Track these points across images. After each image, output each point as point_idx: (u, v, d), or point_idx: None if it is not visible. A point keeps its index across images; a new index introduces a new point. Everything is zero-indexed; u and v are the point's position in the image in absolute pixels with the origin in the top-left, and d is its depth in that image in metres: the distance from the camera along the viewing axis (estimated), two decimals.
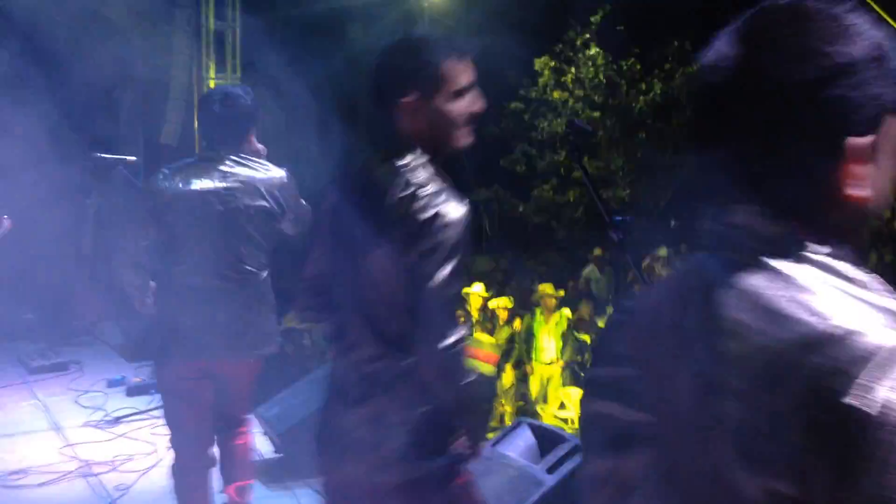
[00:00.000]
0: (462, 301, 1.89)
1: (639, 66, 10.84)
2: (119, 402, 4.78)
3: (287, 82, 6.67)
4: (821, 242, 0.87)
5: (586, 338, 7.11)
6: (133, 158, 4.24)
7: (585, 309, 7.50)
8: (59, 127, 6.14)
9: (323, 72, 8.43)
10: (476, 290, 8.53)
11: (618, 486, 0.94)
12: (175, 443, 2.81)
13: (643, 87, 10.65)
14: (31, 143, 5.72)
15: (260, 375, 2.99)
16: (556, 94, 11.21)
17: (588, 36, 10.76)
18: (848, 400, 0.73)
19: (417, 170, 1.93)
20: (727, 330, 0.83)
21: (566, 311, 7.33)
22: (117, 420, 4.49)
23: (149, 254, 2.84)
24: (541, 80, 11.23)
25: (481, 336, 7.39)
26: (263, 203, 2.89)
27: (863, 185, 0.87)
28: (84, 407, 4.77)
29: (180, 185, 2.79)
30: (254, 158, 2.93)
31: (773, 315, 0.81)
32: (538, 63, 11.14)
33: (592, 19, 10.91)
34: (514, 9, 10.79)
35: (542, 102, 11.32)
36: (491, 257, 10.99)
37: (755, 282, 0.85)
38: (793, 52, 0.85)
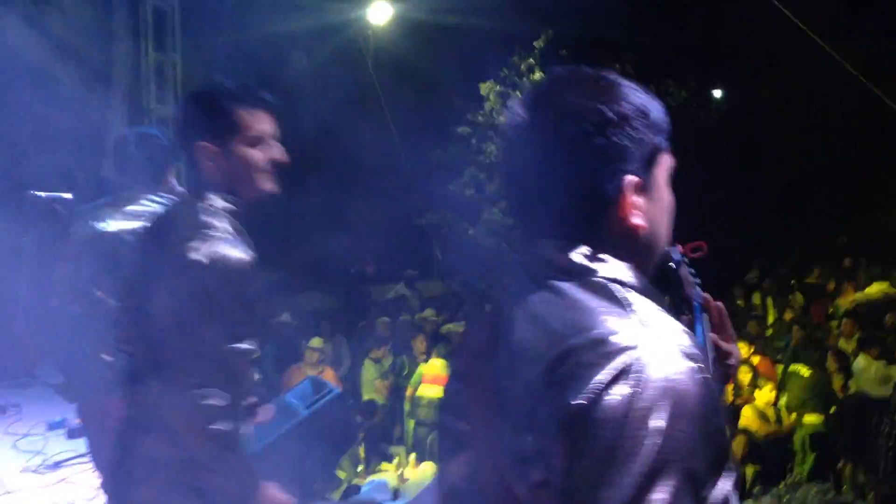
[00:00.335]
0: (249, 365, 1.92)
1: None
2: (59, 446, 4.60)
3: None
4: (614, 266, 1.02)
5: None
6: (69, 196, 4.13)
7: None
8: None
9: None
10: (427, 315, 8.48)
11: (449, 487, 1.10)
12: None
13: None
14: None
15: None
16: (502, 119, 11.28)
17: (532, 61, 10.89)
18: (579, 400, 0.87)
19: (209, 213, 1.96)
20: (515, 349, 0.98)
21: None
22: (57, 465, 4.32)
23: None
24: (487, 105, 11.33)
25: (437, 361, 7.35)
26: None
27: (641, 216, 1.03)
28: (23, 451, 4.59)
29: (94, 226, 2.84)
30: (170, 197, 2.95)
31: (547, 333, 0.95)
32: (483, 88, 11.23)
33: (536, 44, 11.05)
34: (458, 35, 10.89)
35: (489, 126, 11.41)
36: (442, 282, 10.98)
37: (542, 305, 0.99)
38: (573, 109, 1.01)
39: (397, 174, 10.43)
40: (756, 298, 10.16)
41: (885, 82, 7.71)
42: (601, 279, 1.00)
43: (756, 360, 7.50)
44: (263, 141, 2.04)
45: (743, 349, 7.55)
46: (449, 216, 12.31)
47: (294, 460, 2.86)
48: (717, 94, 14.93)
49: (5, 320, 6.63)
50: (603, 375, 0.87)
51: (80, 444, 4.55)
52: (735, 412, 6.78)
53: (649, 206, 1.05)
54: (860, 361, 6.71)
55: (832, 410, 6.64)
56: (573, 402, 0.87)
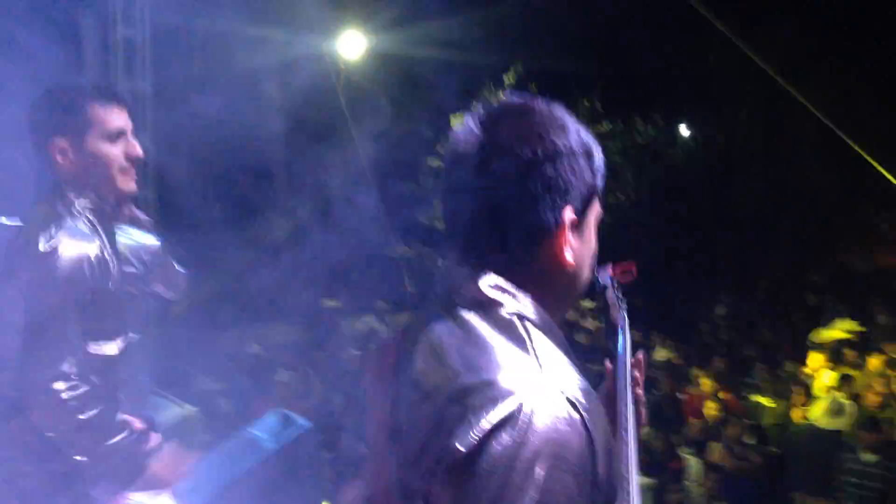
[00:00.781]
0: (67, 343, 1.91)
1: None
2: None
3: (197, 139, 6.57)
4: (521, 300, 0.99)
5: None
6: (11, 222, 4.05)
7: None
8: None
9: (237, 130, 8.34)
10: None
11: None
12: None
13: None
14: None
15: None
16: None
17: (502, 94, 11.02)
18: (465, 446, 0.85)
19: (64, 211, 1.93)
20: (413, 380, 0.96)
21: None
22: None
23: None
24: None
25: None
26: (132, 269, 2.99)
27: (572, 253, 1.02)
28: None
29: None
30: (126, 227, 3.01)
31: (444, 367, 0.93)
32: (454, 120, 11.32)
33: (505, 77, 11.19)
34: (429, 69, 10.98)
35: None
36: (412, 312, 10.94)
37: (445, 335, 0.97)
38: (521, 135, 1.02)
39: (368, 206, 10.43)
40: (723, 333, 10.25)
41: (849, 120, 7.89)
42: (506, 314, 0.99)
43: (724, 395, 7.54)
44: (120, 136, 2.01)
45: (708, 384, 7.60)
46: (420, 248, 12.32)
47: (263, 496, 2.81)
48: (684, 129, 15.19)
49: None
50: (488, 422, 0.86)
51: None
52: (701, 447, 6.80)
53: (579, 246, 1.05)
54: (816, 392, 6.81)
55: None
56: (459, 448, 0.85)
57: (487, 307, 0.99)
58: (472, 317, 0.98)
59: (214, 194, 6.75)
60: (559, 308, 1.06)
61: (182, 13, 7.07)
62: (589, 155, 1.05)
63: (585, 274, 1.09)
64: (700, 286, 10.68)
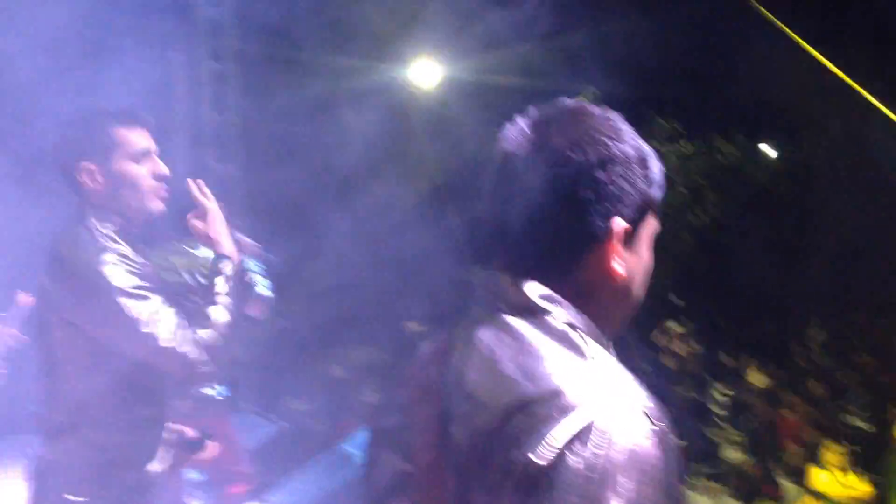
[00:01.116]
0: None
1: None
2: None
3: (279, 164, 6.72)
4: (569, 310, 0.95)
5: None
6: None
7: None
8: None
9: (316, 155, 8.52)
10: None
11: None
12: None
13: None
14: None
15: (263, 459, 2.96)
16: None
17: None
18: (538, 459, 0.81)
19: (93, 232, 1.92)
20: (465, 391, 0.91)
21: None
22: None
23: None
24: None
25: None
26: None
27: (622, 265, 0.97)
28: None
29: None
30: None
31: (500, 378, 0.89)
32: None
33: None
34: (502, 95, 11.02)
35: None
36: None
37: (495, 344, 0.93)
38: (573, 137, 0.98)
39: (446, 230, 10.48)
40: (818, 357, 9.88)
41: None
42: (556, 322, 0.94)
43: (820, 419, 7.24)
44: (145, 157, 2.02)
45: (804, 409, 7.31)
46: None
47: None
48: (768, 149, 14.82)
49: None
50: (561, 433, 0.82)
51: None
52: (799, 473, 6.53)
53: (630, 258, 1.00)
54: None
55: None
56: (530, 461, 0.81)
57: (535, 315, 0.95)
58: (520, 324, 0.94)
59: (298, 219, 6.88)
60: (608, 323, 1.00)
61: (266, 45, 7.27)
62: (644, 164, 1.02)
63: (637, 289, 1.03)
64: (793, 309, 10.32)
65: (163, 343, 1.84)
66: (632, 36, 11.38)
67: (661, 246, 1.09)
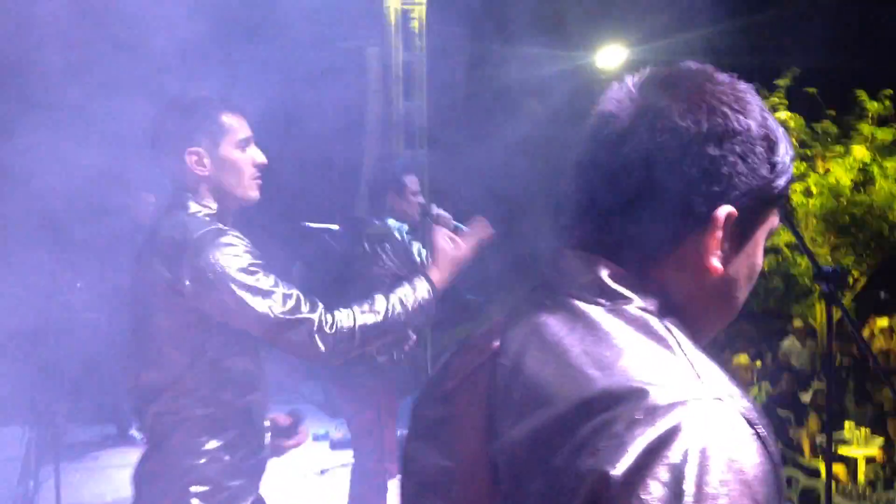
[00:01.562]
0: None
1: (835, 129, 10.26)
2: (324, 455, 4.98)
3: (469, 156, 6.86)
4: (655, 303, 0.81)
5: (789, 413, 6.59)
6: (336, 227, 4.45)
7: (787, 383, 6.98)
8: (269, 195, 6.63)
9: (502, 145, 8.62)
10: None
11: None
12: None
13: (841, 150, 10.04)
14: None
15: None
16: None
17: (776, 99, 10.34)
18: (616, 467, 0.68)
19: (197, 219, 1.93)
20: (522, 382, 0.79)
21: (766, 385, 6.85)
22: (323, 472, 4.68)
23: None
24: None
25: None
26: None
27: (721, 258, 0.82)
28: (291, 458, 5.01)
29: None
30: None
31: (569, 369, 0.76)
32: None
33: (779, 83, 10.52)
34: None
35: None
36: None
37: (559, 331, 0.80)
38: (685, 103, 0.83)
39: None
40: None
41: None
42: (636, 310, 0.81)
43: None
44: (248, 144, 2.05)
45: None
46: None
47: None
48: None
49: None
50: (649, 438, 0.68)
51: (342, 456, 4.98)
52: None
53: (733, 256, 0.84)
54: None
55: None
56: (606, 469, 0.68)
57: (612, 301, 0.82)
58: (594, 311, 0.81)
59: (491, 209, 7.02)
60: (697, 327, 0.85)
61: (454, 38, 7.43)
62: (772, 147, 0.84)
63: (738, 292, 0.87)
64: None
65: (286, 317, 1.89)
66: (835, 11, 10.60)
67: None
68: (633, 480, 0.67)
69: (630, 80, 0.89)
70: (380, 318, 2.01)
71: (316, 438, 5.35)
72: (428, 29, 7.35)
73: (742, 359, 7.07)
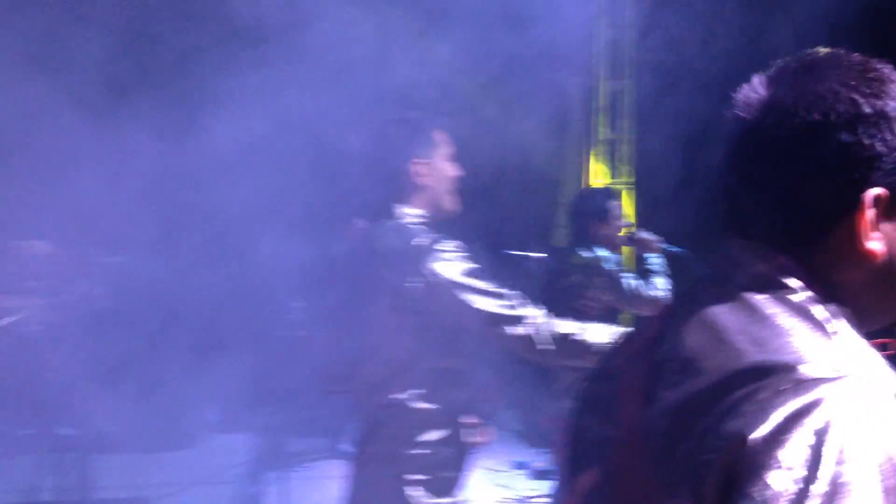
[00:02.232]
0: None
1: None
2: (524, 484, 5.00)
3: (675, 188, 6.65)
4: (819, 291, 0.83)
5: None
6: (543, 255, 4.44)
7: None
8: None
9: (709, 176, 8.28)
10: None
11: (579, 497, 0.93)
12: None
13: None
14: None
15: None
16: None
17: None
18: (755, 434, 0.69)
19: (416, 228, 2.08)
20: (678, 354, 0.83)
21: None
22: (522, 501, 4.69)
23: None
24: None
25: None
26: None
27: (880, 239, 0.83)
28: (494, 484, 5.07)
29: None
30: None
31: (723, 344, 0.79)
32: None
33: None
34: None
35: None
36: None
37: (721, 312, 0.83)
38: (812, 93, 0.84)
39: None
40: None
41: None
42: (801, 297, 0.82)
43: None
44: (454, 159, 2.19)
45: None
46: None
47: None
48: None
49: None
50: (792, 407, 0.70)
51: (542, 486, 5.02)
52: None
53: (892, 235, 0.84)
54: None
55: None
56: (746, 432, 0.70)
57: (777, 290, 0.83)
58: (756, 298, 0.83)
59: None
60: (866, 315, 0.85)
61: (664, 70, 7.23)
62: None
63: None
64: None
65: (508, 313, 2.02)
66: None
67: None
68: (771, 444, 0.69)
69: (759, 77, 0.91)
70: (589, 340, 2.09)
71: (516, 466, 5.36)
72: (635, 58, 7.23)
73: None
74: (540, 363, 2.16)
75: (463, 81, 6.13)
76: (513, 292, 2.07)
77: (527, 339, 2.01)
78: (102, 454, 4.65)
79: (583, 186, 7.03)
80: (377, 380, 2.14)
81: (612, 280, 3.56)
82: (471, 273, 2.04)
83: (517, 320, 2.02)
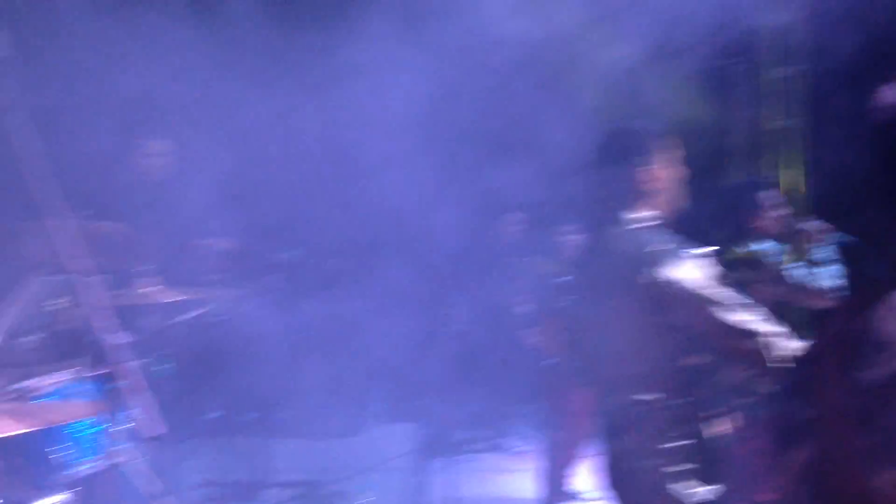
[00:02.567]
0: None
1: None
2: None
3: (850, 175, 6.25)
4: None
5: None
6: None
7: None
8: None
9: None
10: None
11: (792, 475, 0.99)
12: None
13: None
14: None
15: None
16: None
17: None
18: None
19: (652, 230, 2.18)
20: (878, 340, 0.89)
21: None
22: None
23: None
24: None
25: None
26: None
27: None
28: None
29: None
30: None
31: None
32: None
33: None
34: None
35: None
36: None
37: None
38: None
39: None
40: None
41: None
42: None
43: None
44: (673, 162, 2.32)
45: None
46: None
47: None
48: None
49: None
50: None
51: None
52: None
53: None
54: None
55: None
56: None
57: None
58: None
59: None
60: None
61: (837, 55, 6.79)
62: None
63: None
64: None
65: (744, 327, 2.06)
66: None
67: None
68: None
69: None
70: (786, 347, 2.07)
71: None
72: (808, 46, 6.84)
73: None
74: (759, 377, 2.21)
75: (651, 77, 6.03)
76: (748, 303, 2.10)
77: (758, 355, 2.03)
78: (280, 439, 4.92)
79: (745, 178, 6.75)
80: (623, 379, 2.25)
81: (776, 273, 3.41)
82: (711, 281, 2.11)
83: (756, 335, 2.05)
